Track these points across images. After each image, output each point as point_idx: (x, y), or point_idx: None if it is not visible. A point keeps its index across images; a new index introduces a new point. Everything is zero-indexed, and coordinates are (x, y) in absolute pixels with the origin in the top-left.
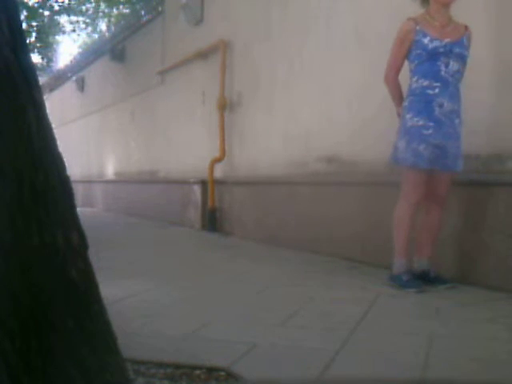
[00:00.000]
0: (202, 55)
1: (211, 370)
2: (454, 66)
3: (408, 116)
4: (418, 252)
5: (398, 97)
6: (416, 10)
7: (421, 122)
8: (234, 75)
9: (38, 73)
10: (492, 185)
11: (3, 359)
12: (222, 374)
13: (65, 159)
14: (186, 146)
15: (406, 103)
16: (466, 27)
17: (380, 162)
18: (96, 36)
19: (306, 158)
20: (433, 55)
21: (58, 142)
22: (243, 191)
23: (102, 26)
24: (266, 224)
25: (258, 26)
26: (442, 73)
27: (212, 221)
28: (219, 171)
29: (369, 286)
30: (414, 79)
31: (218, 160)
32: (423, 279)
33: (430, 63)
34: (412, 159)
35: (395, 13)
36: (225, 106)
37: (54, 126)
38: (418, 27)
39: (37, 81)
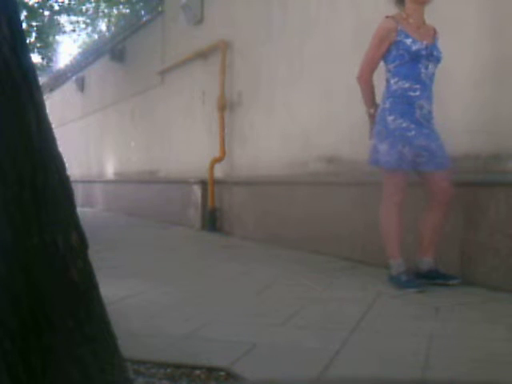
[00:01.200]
0: (202, 55)
1: (211, 370)
2: (431, 68)
3: (390, 118)
4: (422, 252)
5: (370, 97)
6: None
7: (404, 124)
8: (234, 75)
9: (38, 73)
10: (492, 185)
11: (3, 359)
12: (222, 374)
13: (65, 159)
14: (185, 146)
15: (386, 105)
16: (435, 30)
17: None
18: (96, 36)
19: (305, 158)
20: (415, 57)
21: (58, 142)
22: (243, 191)
23: (102, 26)
24: (266, 224)
25: (258, 26)
26: (423, 75)
27: (212, 221)
28: (219, 171)
29: (369, 286)
30: (394, 80)
31: (218, 160)
32: (431, 278)
33: (411, 65)
34: (396, 162)
35: (395, 13)
36: (225, 105)
37: (53, 125)
38: (399, 27)
39: (37, 81)
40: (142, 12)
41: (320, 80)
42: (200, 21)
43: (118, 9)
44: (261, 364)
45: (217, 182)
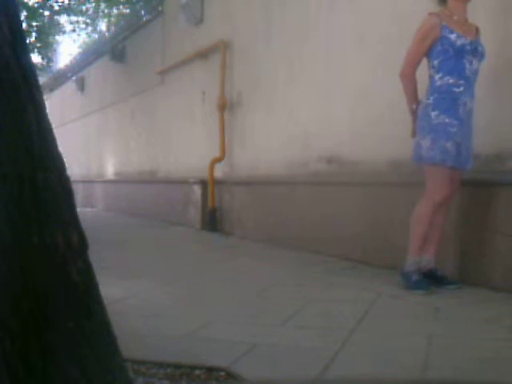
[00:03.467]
0: (202, 55)
1: (211, 370)
2: (475, 64)
3: (434, 113)
4: (425, 250)
5: (413, 93)
6: (415, 10)
7: (447, 120)
8: (234, 75)
9: (38, 73)
10: (492, 185)
11: (3, 359)
12: (222, 374)
13: (65, 159)
14: (186, 145)
15: (429, 101)
16: (477, 28)
17: (380, 162)
18: (96, 36)
19: (306, 158)
20: (459, 52)
21: (58, 142)
22: (243, 191)
23: (102, 26)
24: (266, 224)
25: (257, 26)
26: (467, 71)
27: (212, 221)
28: (219, 171)
29: (369, 286)
30: (439, 76)
31: (218, 160)
32: (430, 278)
33: (455, 60)
34: (440, 156)
35: (395, 13)
36: (225, 105)
37: (53, 126)
38: (443, 22)
39: (37, 81)
40: (142, 12)
41: (320, 80)
42: (200, 21)
43: (118, 9)
44: (261, 364)
45: (217, 182)
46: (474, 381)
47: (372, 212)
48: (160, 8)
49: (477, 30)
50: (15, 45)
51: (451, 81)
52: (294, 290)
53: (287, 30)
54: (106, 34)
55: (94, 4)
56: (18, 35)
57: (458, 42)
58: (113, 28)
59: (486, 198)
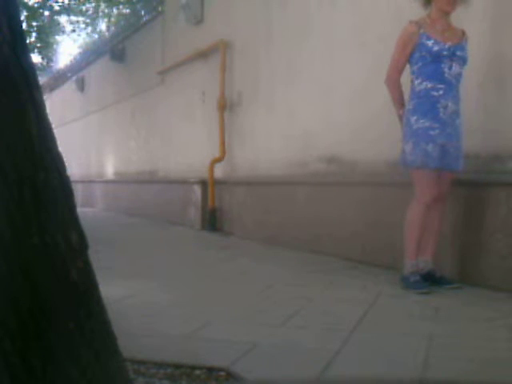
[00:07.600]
0: (202, 55)
1: (211, 370)
2: (456, 68)
3: (413, 118)
4: (422, 252)
5: (399, 99)
6: (415, 10)
7: (427, 124)
8: (234, 75)
9: (38, 73)
10: (492, 185)
11: (3, 359)
12: (222, 374)
13: (65, 159)
14: (186, 145)
15: (410, 106)
16: (463, 32)
17: (380, 163)
18: (96, 36)
19: (306, 158)
20: (437, 57)
21: (58, 142)
22: (243, 191)
23: (102, 26)
24: (266, 224)
25: (257, 25)
26: (446, 75)
27: (212, 221)
28: (219, 171)
29: (369, 286)
30: (418, 81)
31: (218, 160)
32: (429, 280)
33: (433, 65)
34: (421, 159)
35: (395, 13)
36: (225, 105)
37: (53, 126)
38: (421, 30)
39: (37, 81)
40: (142, 12)
41: (320, 80)
42: (200, 21)
43: (118, 9)
44: (261, 364)
45: (217, 182)
46: (473, 381)
47: (371, 212)
48: (160, 8)
49: (463, 34)
50: (15, 45)
51: (430, 85)
52: (294, 289)
53: (287, 30)
54: (106, 34)
55: (93, 4)
56: (18, 35)
57: (435, 48)
58: (113, 28)
59: (486, 199)
